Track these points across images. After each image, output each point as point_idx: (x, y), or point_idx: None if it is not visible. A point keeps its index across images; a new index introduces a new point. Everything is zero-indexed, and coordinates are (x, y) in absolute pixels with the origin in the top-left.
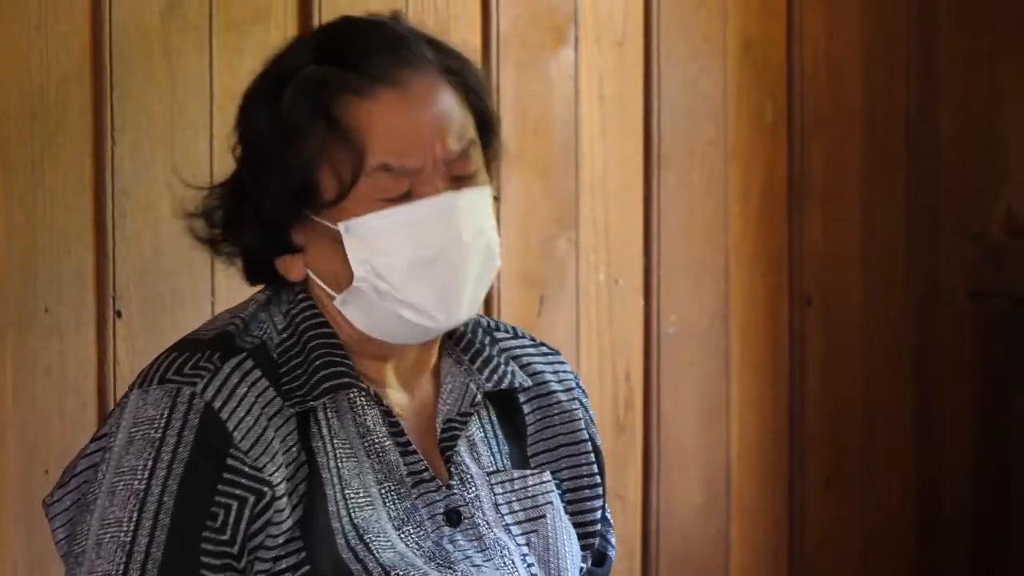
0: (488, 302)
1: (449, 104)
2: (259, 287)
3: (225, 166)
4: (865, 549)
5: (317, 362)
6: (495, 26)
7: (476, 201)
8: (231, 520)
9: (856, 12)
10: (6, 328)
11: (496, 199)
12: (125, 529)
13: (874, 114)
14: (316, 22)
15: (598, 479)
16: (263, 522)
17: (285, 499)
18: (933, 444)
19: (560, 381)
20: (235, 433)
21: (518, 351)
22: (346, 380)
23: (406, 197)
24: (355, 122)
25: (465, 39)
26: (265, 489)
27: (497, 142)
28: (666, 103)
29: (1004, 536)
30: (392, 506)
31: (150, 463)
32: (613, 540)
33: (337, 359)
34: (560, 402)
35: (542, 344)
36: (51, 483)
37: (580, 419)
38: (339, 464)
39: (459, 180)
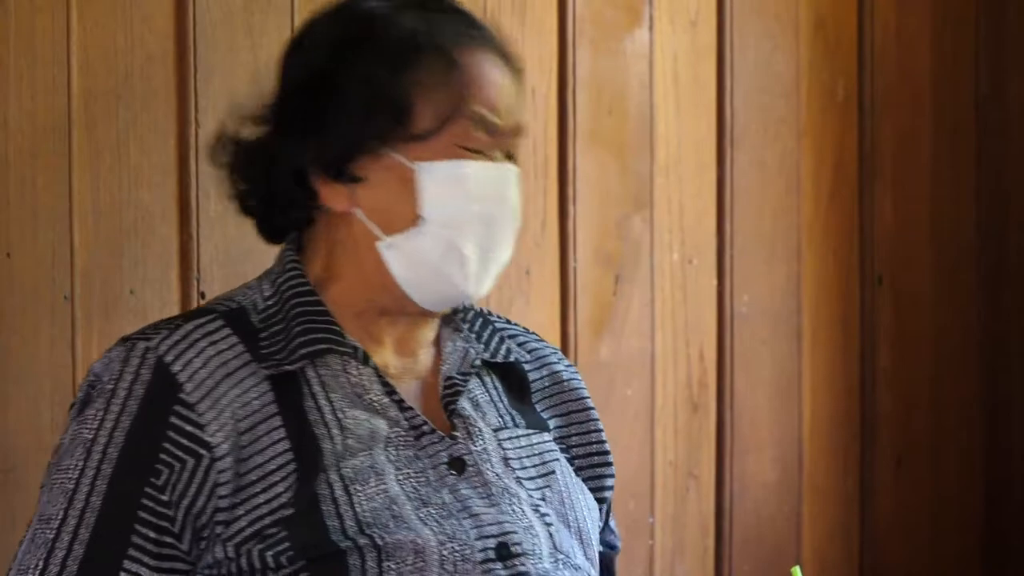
0: (564, 281)
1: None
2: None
3: None
4: (934, 527)
5: (297, 328)
6: (571, 6)
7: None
8: (173, 480)
9: None
10: (92, 310)
11: None
12: (70, 476)
13: (943, 92)
14: None
15: (607, 447)
16: (210, 486)
17: (229, 459)
18: (1002, 422)
19: (560, 360)
20: (186, 384)
21: (513, 331)
22: (323, 346)
23: (477, 154)
24: (465, 63)
25: (542, 19)
26: (203, 452)
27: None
28: (739, 82)
29: None
30: (393, 451)
31: (100, 413)
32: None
33: (319, 325)
34: (562, 372)
35: (534, 333)
36: None
37: (584, 391)
38: (339, 415)
39: (509, 158)
